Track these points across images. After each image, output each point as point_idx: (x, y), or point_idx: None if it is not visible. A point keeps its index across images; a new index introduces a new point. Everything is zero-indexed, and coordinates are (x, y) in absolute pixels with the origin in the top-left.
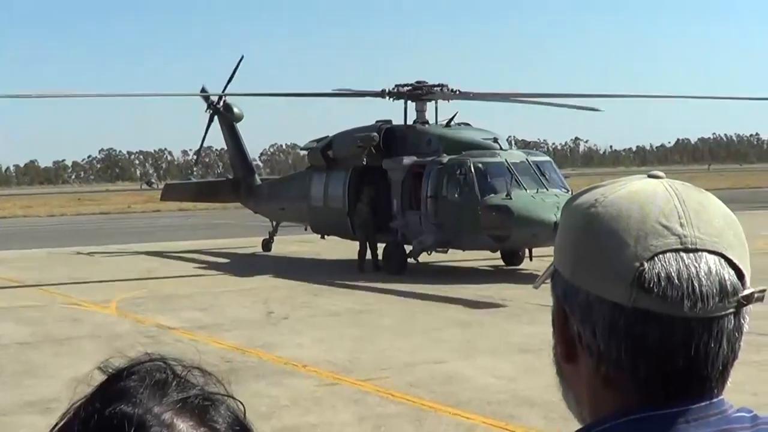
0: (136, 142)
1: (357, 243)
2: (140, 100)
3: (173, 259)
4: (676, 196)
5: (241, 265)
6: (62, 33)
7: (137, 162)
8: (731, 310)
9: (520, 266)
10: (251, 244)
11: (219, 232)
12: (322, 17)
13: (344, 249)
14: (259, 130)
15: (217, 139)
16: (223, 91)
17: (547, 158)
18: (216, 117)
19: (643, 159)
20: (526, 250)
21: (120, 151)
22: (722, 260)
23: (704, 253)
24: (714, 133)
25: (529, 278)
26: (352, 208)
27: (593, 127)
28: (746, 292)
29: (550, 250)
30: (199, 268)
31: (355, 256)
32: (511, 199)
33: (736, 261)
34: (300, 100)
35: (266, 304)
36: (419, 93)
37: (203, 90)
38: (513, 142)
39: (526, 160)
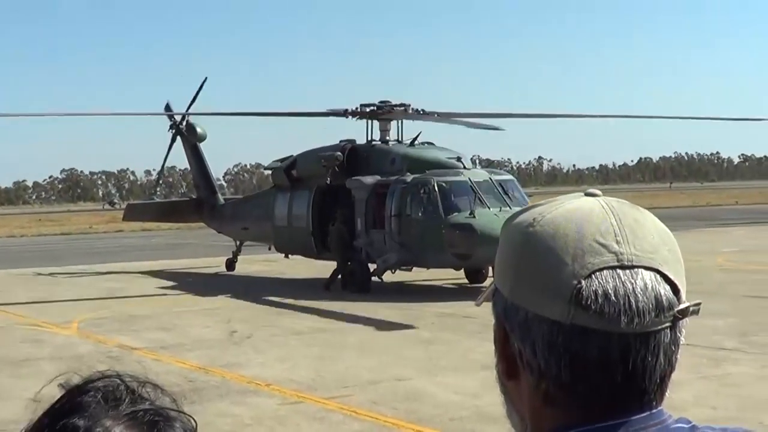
0: (98, 162)
1: (321, 262)
2: (103, 119)
3: (136, 279)
4: (612, 213)
5: (205, 285)
6: (22, 52)
7: (99, 182)
8: (667, 325)
9: (484, 284)
10: (215, 264)
11: (182, 252)
12: (286, 37)
13: (308, 268)
14: (222, 150)
15: (180, 159)
16: (186, 111)
17: (510, 177)
18: (179, 137)
19: (606, 177)
20: (490, 268)
21: (82, 171)
22: (658, 276)
23: (640, 270)
24: (675, 152)
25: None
26: (317, 228)
27: (557, 146)
28: (682, 306)
29: None
30: (161, 288)
31: (320, 275)
32: (474, 217)
33: (671, 276)
34: (264, 120)
35: (229, 324)
36: (383, 113)
37: (167, 107)
38: (477, 162)
39: (490, 179)
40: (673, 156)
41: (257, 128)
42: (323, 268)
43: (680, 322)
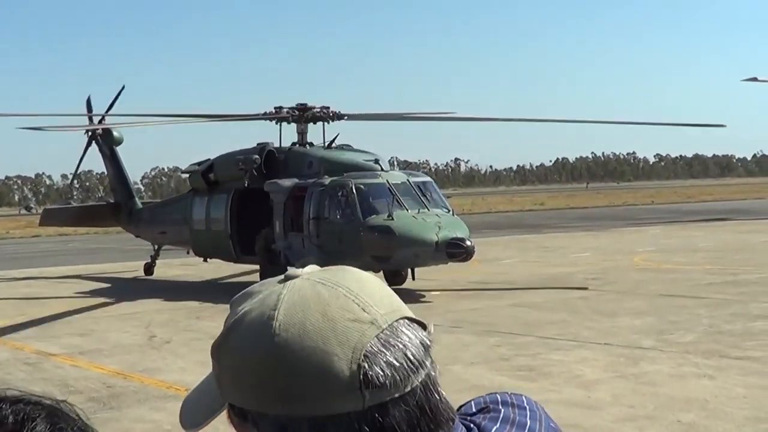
0: (13, 166)
1: (239, 265)
2: (17, 121)
3: (53, 284)
4: (337, 286)
5: (123, 290)
6: None
7: (15, 187)
8: (431, 358)
9: (403, 285)
10: (133, 269)
11: (100, 257)
12: (202, 38)
13: (227, 271)
14: (140, 153)
15: (97, 163)
16: (102, 118)
17: (428, 179)
18: (95, 141)
19: (523, 178)
20: (409, 270)
21: None
22: (407, 321)
23: (395, 324)
24: (592, 153)
25: (413, 296)
26: (235, 231)
27: (474, 147)
28: (430, 336)
29: (431, 269)
30: (79, 293)
31: (238, 279)
32: (392, 219)
33: (412, 315)
34: (181, 124)
35: (148, 329)
36: (301, 115)
37: (88, 102)
38: (395, 163)
39: (408, 180)
40: (589, 156)
41: (174, 132)
42: (242, 272)
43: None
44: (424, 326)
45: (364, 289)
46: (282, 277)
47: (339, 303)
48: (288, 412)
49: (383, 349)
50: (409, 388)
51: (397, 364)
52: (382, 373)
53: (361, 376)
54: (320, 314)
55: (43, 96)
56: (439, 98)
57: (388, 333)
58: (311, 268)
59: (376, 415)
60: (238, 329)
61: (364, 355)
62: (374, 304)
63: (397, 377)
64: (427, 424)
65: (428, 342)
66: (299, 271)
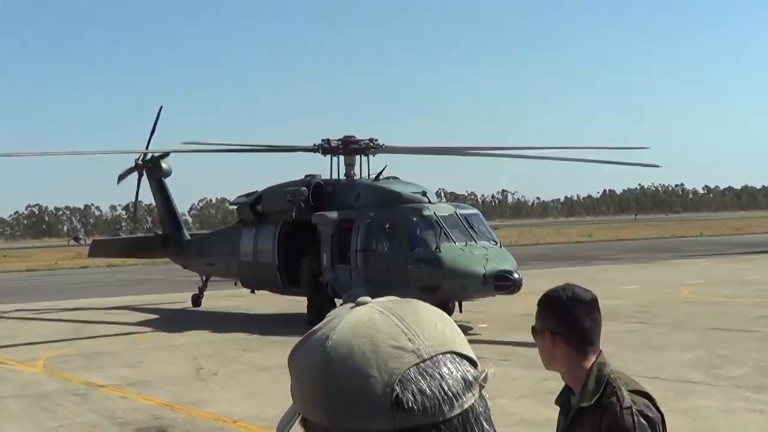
0: (63, 197)
1: (287, 297)
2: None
3: (102, 315)
4: (392, 316)
5: (171, 321)
6: None
7: (64, 217)
8: (477, 395)
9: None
10: (180, 300)
11: (148, 288)
12: (250, 71)
13: (274, 303)
14: (188, 185)
15: (145, 194)
16: (147, 147)
17: (476, 211)
18: (144, 172)
19: (571, 209)
20: (456, 302)
21: (47, 207)
22: (454, 356)
23: (439, 357)
24: (639, 184)
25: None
26: (282, 263)
27: (521, 179)
28: (482, 375)
29: (479, 301)
30: (127, 324)
31: (286, 311)
32: (440, 251)
33: (465, 352)
34: (229, 155)
35: (196, 360)
36: (348, 147)
37: (157, 118)
38: (442, 196)
39: (455, 213)
40: (637, 188)
41: (222, 163)
42: (289, 304)
43: (484, 389)
44: (474, 363)
45: (418, 321)
46: (354, 303)
47: (388, 330)
48: (333, 425)
49: (419, 378)
50: (441, 419)
51: (429, 392)
52: (412, 399)
53: (393, 399)
54: (367, 339)
55: (93, 127)
56: (487, 132)
57: (429, 364)
58: (385, 299)
59: None
60: (305, 345)
61: (399, 380)
62: (423, 336)
63: (427, 405)
64: None
65: (470, 378)
66: (368, 299)
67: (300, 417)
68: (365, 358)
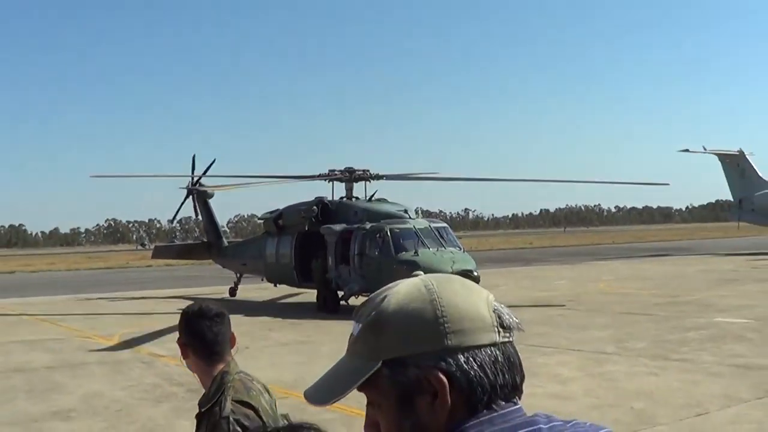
0: (133, 212)
1: (301, 289)
2: (137, 178)
3: (161, 302)
4: (453, 275)
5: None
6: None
7: (133, 228)
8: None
9: None
10: (221, 292)
11: (196, 282)
12: (273, 109)
13: (291, 294)
14: (226, 204)
15: (187, 210)
16: (198, 180)
17: (445, 224)
18: (193, 195)
19: (517, 224)
20: None
21: (121, 220)
22: (501, 305)
23: (499, 305)
24: (567, 204)
25: None
26: (298, 264)
27: (479, 199)
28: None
29: None
30: (180, 309)
31: (301, 300)
32: (418, 255)
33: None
34: (255, 183)
35: None
36: (348, 176)
37: (193, 161)
38: (419, 212)
39: (429, 226)
40: (566, 207)
41: (253, 187)
42: (303, 295)
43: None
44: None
45: (469, 281)
46: (411, 276)
47: (462, 281)
48: (448, 345)
49: (500, 307)
50: (512, 338)
51: (508, 320)
52: (508, 318)
53: (497, 318)
54: (459, 283)
55: (153, 156)
56: (441, 160)
57: (495, 303)
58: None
59: (507, 349)
60: (397, 302)
61: (493, 308)
62: (481, 289)
63: (513, 323)
64: (520, 371)
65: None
66: (420, 272)
67: (381, 367)
68: (467, 293)
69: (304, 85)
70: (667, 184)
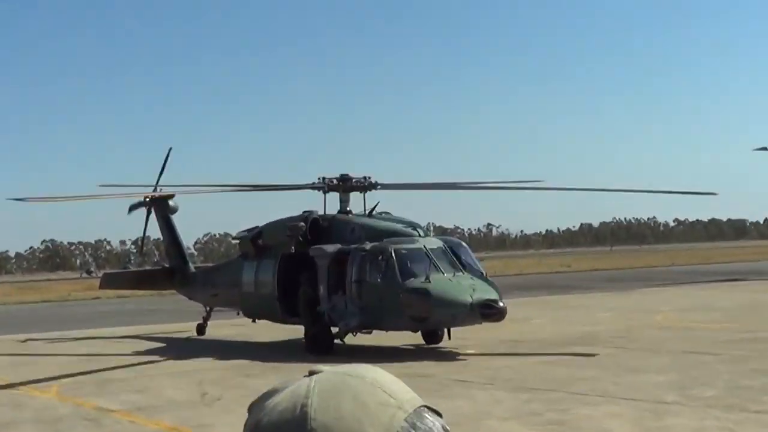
0: (76, 232)
1: (286, 326)
2: (78, 190)
3: (112, 343)
4: (361, 377)
5: (177, 349)
6: None
7: (77, 252)
8: None
9: (440, 345)
10: (186, 329)
11: (155, 318)
12: (250, 112)
13: (275, 331)
14: (193, 220)
15: (153, 229)
16: (156, 184)
17: (462, 243)
18: (152, 208)
19: (552, 242)
20: (445, 330)
21: (61, 242)
22: (426, 408)
23: (418, 409)
24: (614, 217)
25: (449, 356)
26: (282, 294)
27: (504, 213)
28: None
29: (466, 328)
30: (135, 352)
31: (286, 338)
32: (429, 282)
33: (431, 406)
34: (231, 192)
35: (201, 386)
36: (345, 185)
37: (167, 157)
38: (431, 229)
39: (443, 245)
40: (613, 221)
41: (225, 200)
42: (288, 332)
43: None
44: (440, 415)
45: (386, 381)
46: (306, 373)
47: (367, 390)
48: None
49: (412, 430)
50: None
51: None
52: None
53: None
54: (352, 399)
55: (97, 166)
56: (459, 168)
57: (414, 417)
58: (339, 366)
59: None
60: (270, 419)
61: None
62: (398, 392)
63: None
64: None
65: (447, 427)
66: (322, 367)
67: None
68: (357, 418)
69: (286, 75)
70: (715, 194)
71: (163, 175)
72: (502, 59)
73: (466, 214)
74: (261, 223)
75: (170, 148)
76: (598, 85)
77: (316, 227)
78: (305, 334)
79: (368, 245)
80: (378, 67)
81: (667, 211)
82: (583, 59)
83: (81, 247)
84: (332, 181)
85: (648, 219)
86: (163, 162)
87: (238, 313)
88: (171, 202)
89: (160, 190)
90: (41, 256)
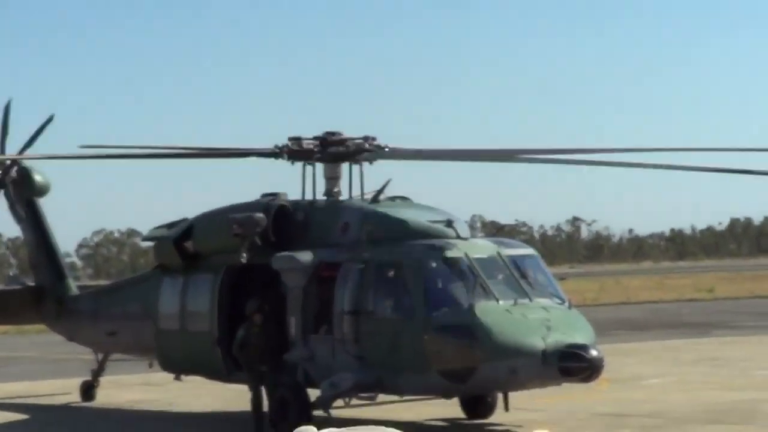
0: None
1: (233, 386)
2: None
3: None
4: None
5: (47, 426)
6: None
7: None
8: None
9: (490, 420)
10: (63, 390)
11: (12, 372)
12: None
13: (212, 396)
14: (77, 210)
15: (7, 224)
16: (19, 154)
17: (530, 251)
18: (7, 186)
19: (681, 249)
20: (500, 395)
21: None
22: None
23: None
24: None
25: None
26: (227, 333)
27: (601, 202)
28: None
29: (535, 392)
30: None
31: (232, 408)
32: (474, 315)
33: None
34: (144, 163)
35: None
36: (330, 151)
37: (6, 112)
38: (478, 226)
39: (498, 254)
40: None
41: (132, 177)
42: (237, 396)
43: None
44: None
45: None
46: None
47: None
48: None
49: None
50: None
51: None
52: None
53: None
54: None
55: None
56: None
57: None
58: (344, 429)
59: None
60: None
61: None
62: None
63: None
64: None
65: None
66: (313, 429)
67: None
68: None
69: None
70: None
71: (8, 138)
72: None
73: (536, 202)
74: (191, 215)
75: (51, 116)
76: None
77: (283, 221)
78: (256, 399)
79: (372, 252)
80: None
81: None
82: None
83: None
84: (311, 144)
85: None
86: (37, 129)
87: (151, 365)
88: (37, 177)
89: (20, 164)
90: None
